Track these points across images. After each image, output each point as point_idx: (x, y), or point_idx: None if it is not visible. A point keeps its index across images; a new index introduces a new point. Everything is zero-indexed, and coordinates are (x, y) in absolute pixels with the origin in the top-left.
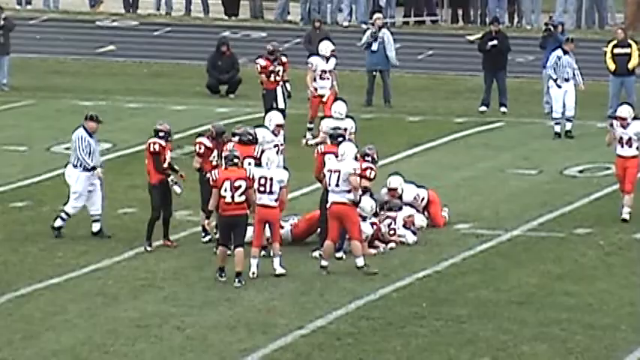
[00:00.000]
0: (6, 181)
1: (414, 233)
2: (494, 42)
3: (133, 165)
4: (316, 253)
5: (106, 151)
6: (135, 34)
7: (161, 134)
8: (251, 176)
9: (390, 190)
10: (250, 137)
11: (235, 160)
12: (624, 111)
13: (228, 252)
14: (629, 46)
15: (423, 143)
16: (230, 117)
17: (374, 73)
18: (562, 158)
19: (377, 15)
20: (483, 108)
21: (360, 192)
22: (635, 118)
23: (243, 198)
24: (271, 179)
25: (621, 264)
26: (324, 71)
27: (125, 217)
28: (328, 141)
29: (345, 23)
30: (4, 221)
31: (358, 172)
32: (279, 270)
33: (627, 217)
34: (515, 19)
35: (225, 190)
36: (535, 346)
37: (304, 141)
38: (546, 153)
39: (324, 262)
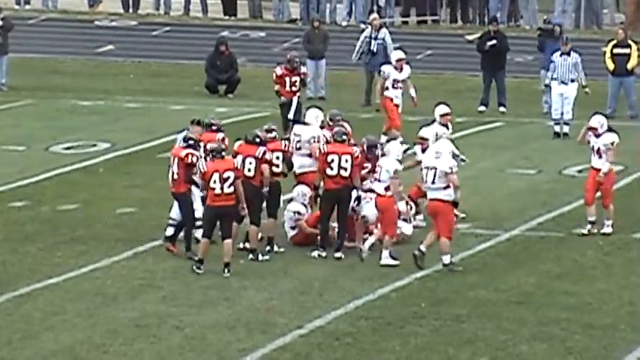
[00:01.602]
0: (5, 180)
1: (407, 221)
2: (493, 42)
3: (132, 165)
4: (315, 253)
5: (105, 151)
6: (134, 34)
7: (192, 142)
8: (239, 167)
9: (421, 138)
10: (258, 139)
11: (222, 153)
12: (594, 121)
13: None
14: (629, 46)
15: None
16: (229, 117)
17: (372, 72)
18: (561, 158)
19: (373, 15)
20: (482, 108)
21: (458, 189)
22: (610, 130)
23: (231, 189)
24: (381, 167)
25: (620, 264)
26: (396, 80)
27: (124, 217)
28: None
29: (344, 23)
30: (3, 221)
31: (455, 169)
32: (388, 262)
33: (610, 230)
34: (515, 19)
35: (215, 182)
36: (534, 346)
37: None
38: (545, 153)
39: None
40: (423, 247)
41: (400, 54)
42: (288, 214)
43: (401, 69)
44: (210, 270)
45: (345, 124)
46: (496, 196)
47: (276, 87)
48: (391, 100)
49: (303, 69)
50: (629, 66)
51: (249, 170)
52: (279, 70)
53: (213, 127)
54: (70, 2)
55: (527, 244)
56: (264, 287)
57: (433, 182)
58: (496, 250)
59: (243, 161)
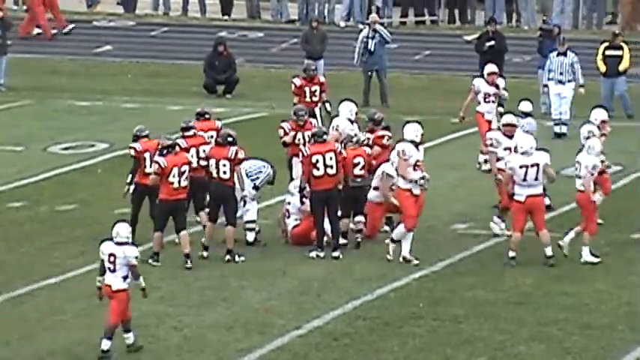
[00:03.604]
0: (3, 181)
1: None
2: (492, 42)
3: (130, 165)
4: (313, 254)
5: (103, 152)
6: (132, 35)
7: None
8: (213, 170)
9: (507, 125)
10: (230, 139)
11: (177, 148)
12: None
13: None
14: (621, 48)
15: (419, 143)
16: (227, 117)
17: (370, 73)
18: (559, 158)
19: (372, 16)
20: None
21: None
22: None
23: (186, 182)
24: (580, 163)
25: (619, 264)
26: (487, 94)
27: (122, 217)
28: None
29: (342, 24)
30: (0, 221)
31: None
32: (590, 259)
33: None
34: (514, 18)
35: (174, 176)
36: (532, 346)
37: (477, 165)
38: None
39: (512, 253)
40: (512, 254)
41: (493, 67)
42: (293, 206)
43: (493, 83)
44: (208, 272)
45: (313, 120)
46: (494, 197)
47: (295, 99)
48: (482, 115)
49: (321, 78)
50: (621, 68)
51: (224, 173)
52: (297, 81)
53: (207, 116)
54: (68, 2)
55: (525, 245)
56: (263, 287)
57: (536, 179)
58: (494, 250)
59: (217, 164)
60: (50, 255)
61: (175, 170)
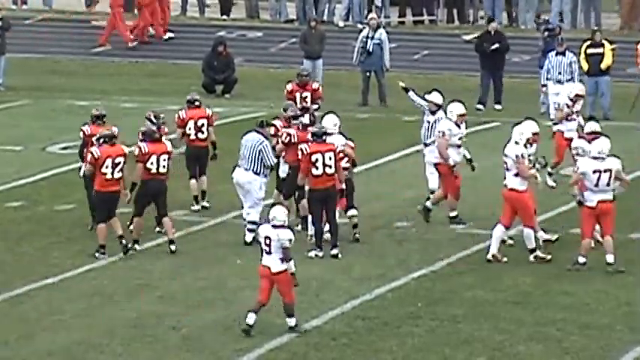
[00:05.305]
0: (2, 180)
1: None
2: (498, 45)
3: (129, 164)
4: (312, 253)
5: None
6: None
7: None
8: (127, 153)
9: (592, 132)
10: (156, 136)
11: (113, 140)
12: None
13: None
14: (603, 45)
15: (418, 143)
16: (226, 117)
17: (367, 73)
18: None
19: (371, 15)
20: (480, 106)
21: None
22: (594, 133)
23: (120, 174)
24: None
25: (618, 264)
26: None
27: (121, 217)
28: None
29: (341, 23)
30: None
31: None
32: None
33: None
34: (516, 19)
35: (107, 167)
36: (531, 346)
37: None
38: (542, 152)
39: (582, 259)
40: (581, 260)
41: (580, 88)
42: None
43: (575, 102)
44: (207, 272)
45: (303, 119)
46: (493, 196)
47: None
48: (562, 133)
49: (314, 85)
50: (603, 66)
51: (163, 167)
52: (289, 86)
53: (196, 103)
54: (66, 2)
55: (524, 245)
56: None
57: (608, 184)
58: None
59: (158, 159)
60: (49, 255)
61: (109, 161)
